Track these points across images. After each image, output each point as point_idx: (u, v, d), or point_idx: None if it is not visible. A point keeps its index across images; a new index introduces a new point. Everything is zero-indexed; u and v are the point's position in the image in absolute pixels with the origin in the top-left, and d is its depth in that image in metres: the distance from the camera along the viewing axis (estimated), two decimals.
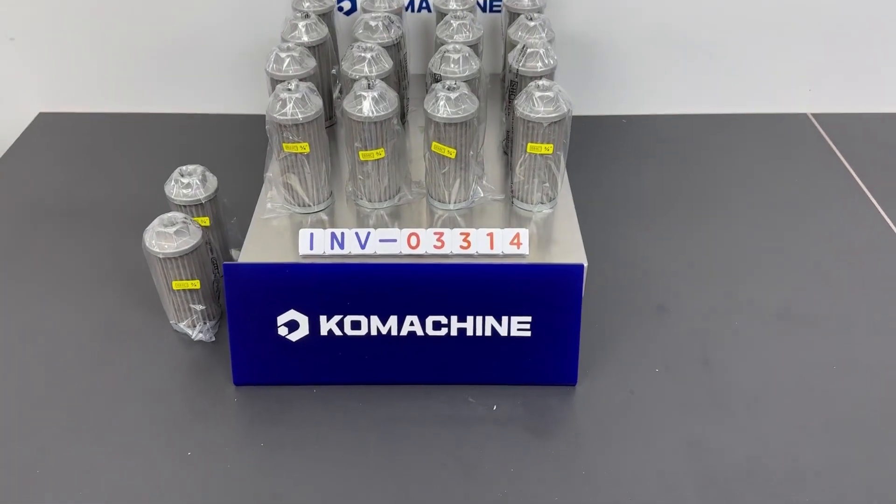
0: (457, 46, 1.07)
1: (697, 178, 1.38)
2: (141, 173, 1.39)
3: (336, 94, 1.25)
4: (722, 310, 1.11)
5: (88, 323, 1.08)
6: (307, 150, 0.99)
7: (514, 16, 1.26)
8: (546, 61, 1.06)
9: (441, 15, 1.27)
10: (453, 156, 1.00)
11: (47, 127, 1.54)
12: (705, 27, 1.47)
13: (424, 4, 1.35)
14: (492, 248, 0.97)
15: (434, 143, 1.00)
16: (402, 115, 1.24)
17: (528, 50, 1.06)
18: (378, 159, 1.01)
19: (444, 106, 0.97)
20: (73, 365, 1.02)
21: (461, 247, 0.98)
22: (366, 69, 1.06)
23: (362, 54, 1.06)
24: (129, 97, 1.55)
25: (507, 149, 1.17)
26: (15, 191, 1.36)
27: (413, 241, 0.98)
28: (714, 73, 1.53)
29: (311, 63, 1.08)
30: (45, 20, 1.45)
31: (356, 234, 0.98)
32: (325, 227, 1.04)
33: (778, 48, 1.50)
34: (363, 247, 0.97)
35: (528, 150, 1.00)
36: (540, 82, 0.99)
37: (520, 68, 1.06)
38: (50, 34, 1.47)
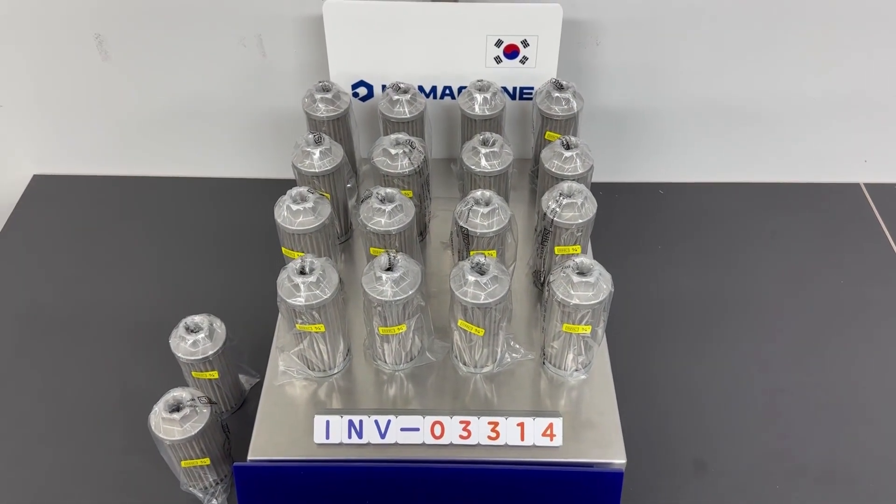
0: (485, 194, 0.97)
1: (739, 274, 1.29)
2: (149, 257, 1.33)
3: (352, 203, 1.16)
4: (763, 468, 1.04)
5: (90, 476, 1.03)
6: (322, 329, 0.91)
7: (546, 120, 1.14)
8: (584, 211, 0.96)
9: (467, 120, 1.15)
10: (481, 334, 0.92)
11: (44, 193, 1.45)
12: (755, 97, 1.34)
13: (447, 91, 1.23)
14: (522, 439, 0.90)
15: (461, 321, 0.91)
16: (423, 231, 1.15)
17: (566, 201, 0.96)
18: (399, 333, 0.93)
19: (472, 290, 0.88)
20: None
21: (489, 437, 0.90)
22: (384, 223, 0.96)
23: (381, 206, 0.96)
24: (126, 160, 1.45)
25: (538, 282, 1.08)
26: (10, 287, 1.28)
27: (437, 430, 0.90)
28: (763, 142, 1.41)
29: (327, 210, 0.98)
30: (37, 82, 1.34)
31: (375, 421, 0.90)
32: (340, 393, 0.97)
33: (832, 117, 1.37)
34: (383, 436, 0.90)
35: (564, 329, 0.91)
36: (579, 260, 0.89)
37: (555, 219, 0.96)
38: (42, 96, 1.36)
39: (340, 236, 1.15)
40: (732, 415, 1.10)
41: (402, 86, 1.14)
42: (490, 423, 0.90)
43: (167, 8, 1.23)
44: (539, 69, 1.19)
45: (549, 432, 0.90)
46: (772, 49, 1.28)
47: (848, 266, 1.31)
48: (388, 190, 0.98)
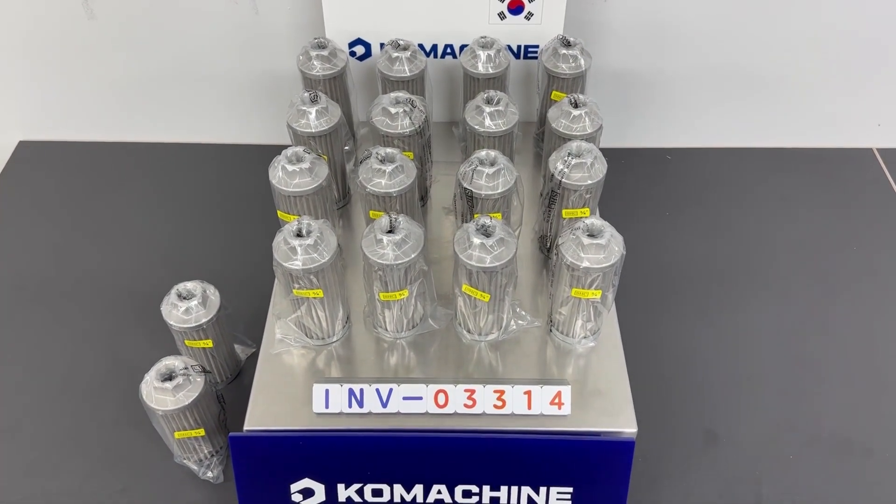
0: (490, 154, 0.93)
1: (749, 241, 1.25)
2: (139, 224, 1.29)
3: (350, 167, 1.11)
4: (776, 438, 1.01)
5: (80, 449, 1.00)
6: (321, 295, 0.87)
7: (552, 78, 1.10)
8: (593, 172, 0.92)
9: (470, 79, 1.11)
10: (486, 300, 0.88)
11: (30, 159, 1.40)
12: (767, 59, 1.30)
13: (448, 50, 1.18)
14: (529, 408, 0.87)
15: (465, 286, 0.87)
16: (424, 196, 1.10)
17: (574, 161, 0.91)
18: (400, 299, 0.89)
19: (478, 254, 0.84)
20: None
21: (495, 406, 0.87)
22: (384, 184, 0.92)
23: (381, 167, 0.92)
24: (114, 124, 1.40)
25: (544, 247, 1.04)
26: None
27: (441, 399, 0.87)
28: (774, 106, 1.37)
29: (324, 171, 0.93)
30: (21, 43, 1.29)
31: (377, 390, 0.87)
32: (339, 362, 0.93)
33: (845, 81, 1.33)
34: (385, 405, 0.87)
35: (573, 294, 0.87)
36: (590, 221, 0.85)
37: (563, 181, 0.92)
38: (27, 58, 1.30)
39: (338, 201, 1.11)
40: (744, 383, 1.07)
41: (401, 42, 1.09)
42: (496, 391, 0.87)
43: None
44: (545, 26, 1.14)
45: (556, 401, 0.87)
46: (784, 10, 1.23)
47: (860, 232, 1.27)
48: (389, 150, 0.94)
